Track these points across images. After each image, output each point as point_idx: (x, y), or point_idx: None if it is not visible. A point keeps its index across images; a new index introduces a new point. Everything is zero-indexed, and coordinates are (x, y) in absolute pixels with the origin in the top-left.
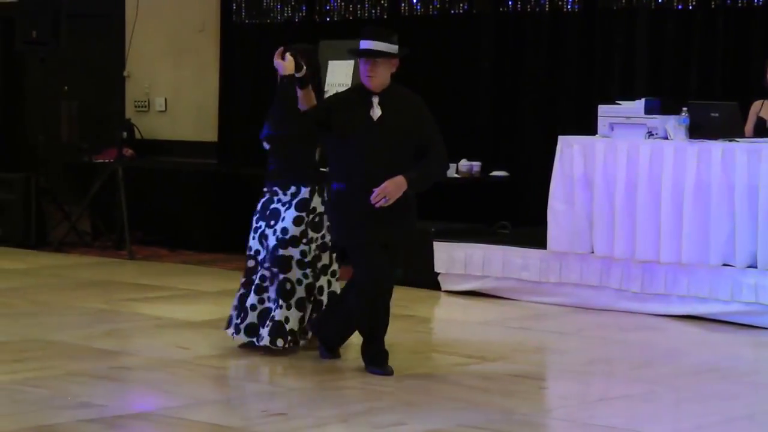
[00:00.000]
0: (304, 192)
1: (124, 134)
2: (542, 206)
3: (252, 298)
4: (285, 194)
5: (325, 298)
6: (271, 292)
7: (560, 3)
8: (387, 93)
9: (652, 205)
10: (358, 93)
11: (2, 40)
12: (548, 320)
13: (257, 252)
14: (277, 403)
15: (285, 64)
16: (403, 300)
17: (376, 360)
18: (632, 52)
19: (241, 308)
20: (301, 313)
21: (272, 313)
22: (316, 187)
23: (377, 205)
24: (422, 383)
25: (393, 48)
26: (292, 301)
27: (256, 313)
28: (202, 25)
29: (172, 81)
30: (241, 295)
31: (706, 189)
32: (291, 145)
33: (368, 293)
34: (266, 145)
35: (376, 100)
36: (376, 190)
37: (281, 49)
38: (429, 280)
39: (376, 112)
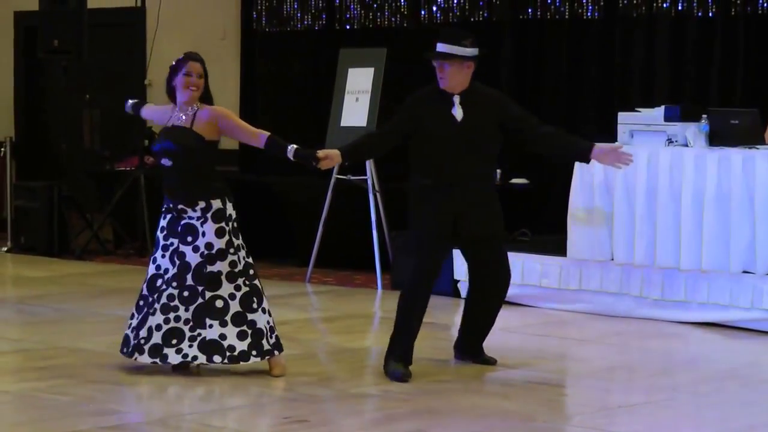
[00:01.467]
0: (216, 203)
1: (146, 142)
2: (562, 214)
3: (157, 318)
4: (195, 210)
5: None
6: (189, 313)
7: (580, 10)
8: (467, 93)
9: (673, 213)
10: (439, 93)
11: (25, 49)
12: (568, 327)
13: (166, 270)
14: (298, 410)
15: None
16: None
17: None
18: (652, 60)
19: (141, 328)
20: (238, 328)
21: (202, 334)
22: (224, 196)
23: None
24: (442, 390)
25: (464, 51)
26: (227, 318)
27: (161, 333)
28: (223, 34)
29: None
30: (142, 315)
31: (727, 196)
32: (195, 159)
33: (404, 291)
34: (166, 162)
35: (457, 99)
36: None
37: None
38: (449, 288)
39: (458, 113)
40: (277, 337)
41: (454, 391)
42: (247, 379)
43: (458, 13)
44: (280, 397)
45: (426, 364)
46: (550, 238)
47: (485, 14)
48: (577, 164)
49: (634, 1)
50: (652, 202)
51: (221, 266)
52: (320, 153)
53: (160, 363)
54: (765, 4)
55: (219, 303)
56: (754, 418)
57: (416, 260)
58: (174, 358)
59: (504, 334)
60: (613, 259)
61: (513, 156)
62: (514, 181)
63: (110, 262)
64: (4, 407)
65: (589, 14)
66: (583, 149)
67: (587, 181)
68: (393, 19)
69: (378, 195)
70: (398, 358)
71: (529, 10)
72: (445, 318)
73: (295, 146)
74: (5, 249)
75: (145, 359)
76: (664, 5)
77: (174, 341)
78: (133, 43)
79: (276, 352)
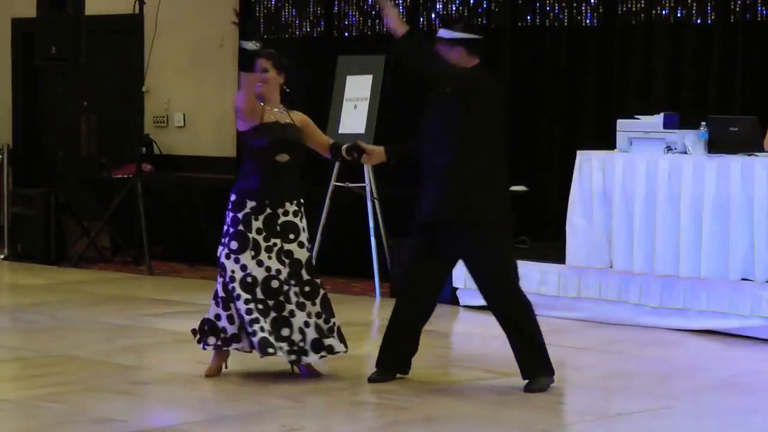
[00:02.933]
0: (299, 205)
1: (143, 150)
2: (561, 221)
3: (300, 318)
4: (293, 204)
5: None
6: (317, 307)
7: (579, 18)
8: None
9: (671, 220)
10: None
11: (22, 56)
12: (567, 335)
13: (278, 271)
14: (296, 419)
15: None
16: None
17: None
18: (651, 67)
19: (280, 330)
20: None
21: (334, 322)
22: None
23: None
24: (441, 398)
25: (451, 34)
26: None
27: (312, 329)
28: (221, 41)
29: (191, 96)
30: (273, 318)
31: (725, 203)
32: (303, 155)
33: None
34: (282, 157)
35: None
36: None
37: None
38: (447, 295)
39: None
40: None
41: (451, 399)
42: (244, 387)
43: (457, 20)
44: (277, 405)
45: (424, 371)
46: (549, 246)
47: (484, 21)
48: (575, 171)
49: (633, 9)
50: (651, 210)
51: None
52: (366, 147)
53: (327, 355)
54: (764, 12)
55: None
56: (753, 426)
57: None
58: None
59: (503, 341)
60: (612, 267)
61: (512, 163)
62: (514, 188)
63: (107, 270)
64: (1, 415)
65: (588, 21)
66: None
67: (586, 188)
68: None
69: (376, 202)
70: (376, 363)
71: (528, 17)
72: (443, 326)
73: (346, 145)
74: (2, 256)
75: (313, 358)
76: (663, 12)
77: (326, 335)
78: (130, 50)
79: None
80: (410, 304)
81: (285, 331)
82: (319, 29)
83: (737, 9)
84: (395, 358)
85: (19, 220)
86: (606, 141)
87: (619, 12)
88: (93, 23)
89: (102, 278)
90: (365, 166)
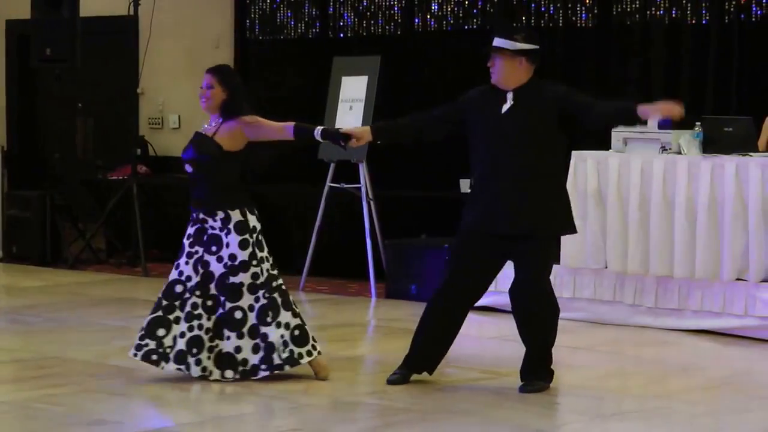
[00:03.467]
0: (235, 215)
1: (138, 151)
2: None
3: (182, 326)
4: (215, 220)
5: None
6: (210, 322)
7: (574, 18)
8: (524, 89)
9: (666, 220)
10: (494, 89)
11: (17, 58)
12: (562, 335)
13: (188, 278)
14: (292, 420)
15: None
16: (416, 315)
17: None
18: (646, 67)
19: (155, 333)
20: (254, 341)
21: (219, 345)
22: (245, 208)
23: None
24: (437, 398)
25: (513, 45)
26: (245, 330)
27: (185, 340)
28: (217, 42)
29: (186, 98)
30: (157, 318)
31: (720, 204)
32: (213, 168)
33: (430, 300)
34: (188, 168)
35: (510, 96)
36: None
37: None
38: None
39: (506, 108)
40: (294, 349)
41: (447, 399)
42: (240, 388)
43: (452, 21)
44: (273, 406)
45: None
46: None
47: (478, 22)
48: (570, 171)
49: (629, 9)
50: (645, 210)
51: (243, 278)
52: (349, 131)
53: (185, 372)
54: (759, 12)
55: (238, 314)
56: (748, 426)
57: (444, 273)
58: (194, 371)
59: (498, 342)
60: (607, 267)
61: None
62: None
63: (103, 272)
64: None
65: (583, 21)
66: (629, 115)
67: (581, 188)
68: (387, 27)
69: (372, 203)
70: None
71: (523, 18)
72: None
73: (321, 127)
74: None
75: (170, 367)
76: (659, 13)
77: (194, 350)
78: (126, 52)
79: (287, 367)
80: (455, 307)
81: (160, 331)
82: (314, 30)
83: (732, 9)
84: (427, 358)
85: (14, 222)
86: (601, 141)
87: (614, 12)
88: (88, 25)
89: (98, 280)
90: (360, 167)
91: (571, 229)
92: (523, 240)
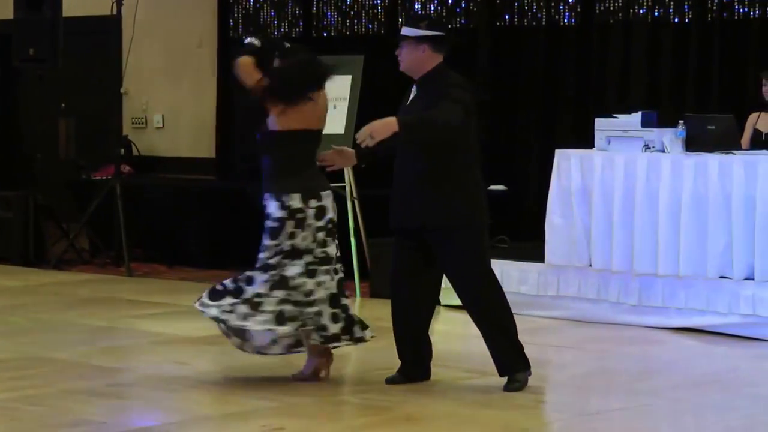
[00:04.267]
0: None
1: (122, 151)
2: (540, 220)
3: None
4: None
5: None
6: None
7: (557, 17)
8: (427, 78)
9: (650, 218)
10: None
11: None
12: (547, 334)
13: None
14: (276, 419)
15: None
16: None
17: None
18: (629, 66)
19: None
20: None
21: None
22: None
23: (362, 144)
24: (422, 397)
25: (416, 31)
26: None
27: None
28: (200, 42)
29: (170, 97)
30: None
31: (703, 201)
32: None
33: (392, 306)
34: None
35: (414, 86)
36: (363, 129)
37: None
38: None
39: (408, 99)
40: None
41: (433, 399)
42: (224, 387)
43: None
44: (258, 405)
45: None
46: (528, 245)
47: (463, 21)
48: (554, 170)
49: (611, 8)
50: (629, 208)
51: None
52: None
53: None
54: (741, 10)
55: None
56: (731, 423)
57: None
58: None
59: (482, 341)
60: (591, 266)
61: (490, 162)
62: (492, 187)
63: (86, 272)
64: None
65: (566, 21)
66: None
67: (565, 187)
68: (370, 26)
69: (356, 202)
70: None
71: (506, 17)
72: None
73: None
74: None
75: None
76: (641, 11)
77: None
78: (108, 52)
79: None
80: (412, 305)
81: None
82: (297, 29)
83: (714, 8)
84: (415, 364)
85: None
86: (584, 139)
87: (597, 11)
88: (71, 25)
89: (81, 280)
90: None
91: (475, 223)
92: (432, 233)
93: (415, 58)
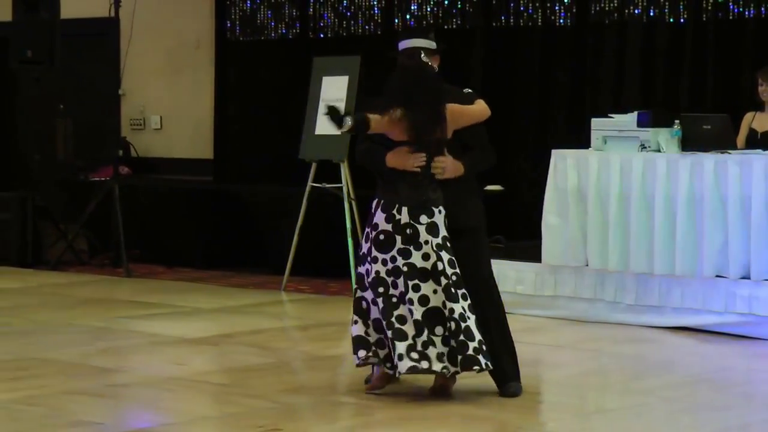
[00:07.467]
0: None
1: (120, 152)
2: (536, 220)
3: None
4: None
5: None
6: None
7: (552, 17)
8: None
9: (646, 218)
10: None
11: None
12: (543, 333)
13: None
14: (272, 419)
15: None
16: None
17: None
18: (624, 66)
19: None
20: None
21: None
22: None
23: (436, 176)
24: (417, 398)
25: (430, 43)
26: (369, 321)
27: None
28: (197, 43)
29: (168, 99)
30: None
31: (699, 201)
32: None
33: None
34: None
35: None
36: (441, 162)
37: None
38: None
39: None
40: None
41: (428, 399)
42: (221, 388)
43: (431, 21)
44: (253, 405)
45: None
46: (525, 245)
47: (458, 21)
48: (550, 170)
49: (606, 8)
50: (625, 208)
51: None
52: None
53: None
54: (736, 10)
55: None
56: (727, 422)
57: None
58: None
59: None
60: (587, 265)
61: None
62: (489, 187)
63: (85, 273)
64: None
65: (561, 21)
66: None
67: (561, 187)
68: (366, 27)
69: (353, 203)
70: None
71: (502, 17)
72: None
73: None
74: None
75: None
76: (636, 12)
77: None
78: (106, 53)
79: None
80: None
81: None
82: (294, 31)
83: (709, 8)
84: None
85: None
86: (580, 139)
87: (592, 11)
88: (69, 26)
89: (79, 281)
90: (341, 167)
91: (482, 226)
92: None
93: (431, 66)
